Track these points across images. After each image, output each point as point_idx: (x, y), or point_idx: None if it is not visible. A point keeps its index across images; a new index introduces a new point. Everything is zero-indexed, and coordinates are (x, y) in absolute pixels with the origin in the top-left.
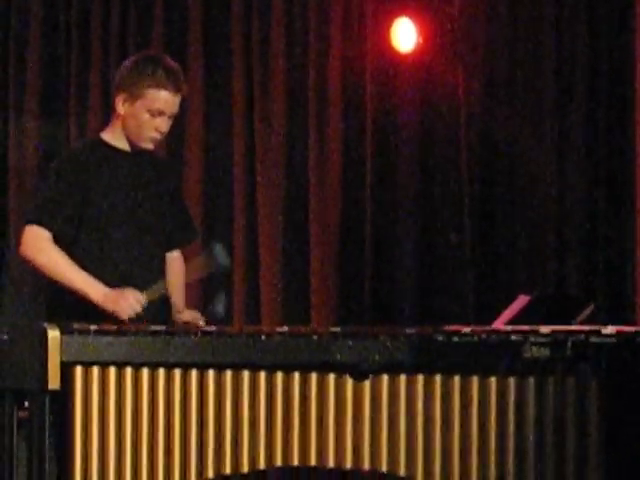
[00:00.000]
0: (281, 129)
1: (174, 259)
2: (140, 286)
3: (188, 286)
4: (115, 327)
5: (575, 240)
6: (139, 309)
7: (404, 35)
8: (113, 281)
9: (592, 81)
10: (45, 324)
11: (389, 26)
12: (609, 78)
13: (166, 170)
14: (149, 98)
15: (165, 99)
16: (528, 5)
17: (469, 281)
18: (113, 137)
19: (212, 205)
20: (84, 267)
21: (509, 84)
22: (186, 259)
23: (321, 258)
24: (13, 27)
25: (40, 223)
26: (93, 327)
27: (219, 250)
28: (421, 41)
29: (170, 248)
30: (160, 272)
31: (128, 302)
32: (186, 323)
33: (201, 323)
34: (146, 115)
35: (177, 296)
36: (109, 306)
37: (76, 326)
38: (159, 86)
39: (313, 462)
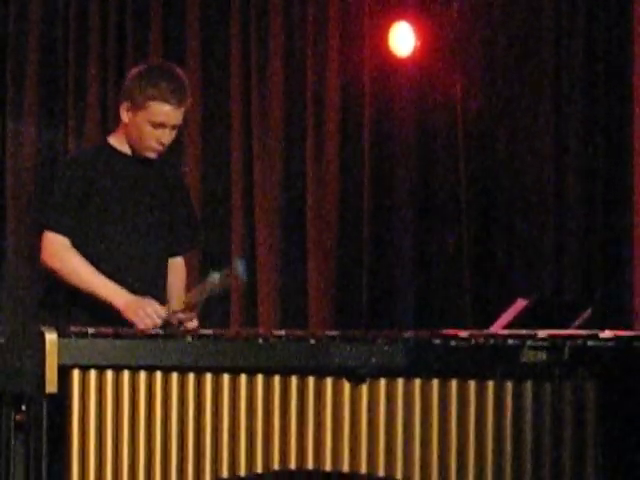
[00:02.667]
0: (279, 132)
1: (176, 264)
2: (140, 291)
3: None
4: (112, 330)
5: (572, 244)
6: (157, 322)
7: (402, 39)
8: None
9: (591, 86)
10: (43, 327)
11: (387, 30)
12: (607, 85)
13: (173, 175)
14: (151, 110)
15: (167, 112)
16: (526, 10)
17: (466, 285)
18: (119, 142)
19: (210, 210)
20: None
21: (507, 88)
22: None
23: (318, 262)
24: (11, 34)
25: (57, 230)
26: (90, 330)
27: (240, 266)
28: (419, 45)
29: (174, 254)
30: (162, 277)
31: (146, 314)
32: (180, 322)
33: (194, 322)
34: (148, 126)
35: (175, 301)
36: (129, 315)
37: (74, 329)
38: (161, 99)
39: (310, 465)
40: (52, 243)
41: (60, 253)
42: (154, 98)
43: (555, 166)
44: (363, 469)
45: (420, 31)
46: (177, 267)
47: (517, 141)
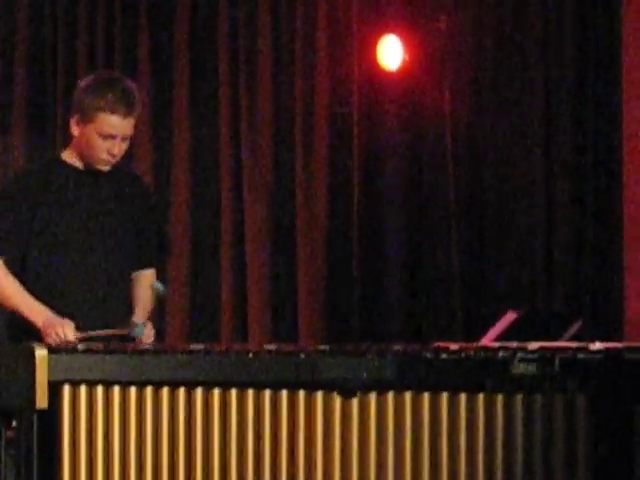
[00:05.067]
0: (268, 146)
1: (143, 277)
2: (98, 304)
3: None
4: (102, 346)
5: (563, 257)
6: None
7: (390, 53)
8: (68, 302)
9: (579, 95)
10: (33, 343)
11: (376, 44)
12: (596, 92)
13: (131, 187)
14: (99, 122)
15: (114, 123)
16: (515, 22)
17: (457, 298)
18: (72, 156)
19: (200, 226)
20: (37, 289)
21: (496, 101)
22: None
23: (309, 276)
24: None
25: None
26: (80, 346)
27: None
28: (407, 59)
29: (138, 267)
30: (118, 291)
31: (57, 334)
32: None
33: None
34: (97, 138)
35: (140, 312)
36: (44, 334)
37: (63, 345)
38: (108, 110)
39: (301, 479)
40: None
41: None
42: (101, 109)
43: (545, 180)
44: None
45: (409, 45)
46: (143, 279)
47: (506, 153)
